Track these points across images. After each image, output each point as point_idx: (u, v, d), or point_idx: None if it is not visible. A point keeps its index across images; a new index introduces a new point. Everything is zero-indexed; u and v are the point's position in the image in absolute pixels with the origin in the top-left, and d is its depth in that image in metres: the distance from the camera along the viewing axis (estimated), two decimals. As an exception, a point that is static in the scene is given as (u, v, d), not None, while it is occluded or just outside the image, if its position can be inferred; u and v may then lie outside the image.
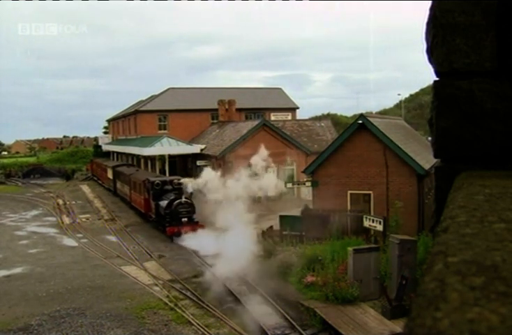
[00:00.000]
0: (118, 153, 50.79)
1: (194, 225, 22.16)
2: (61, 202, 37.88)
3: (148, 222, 26.37)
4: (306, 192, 24.34)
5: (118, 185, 36.36)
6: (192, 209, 22.72)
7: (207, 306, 14.20)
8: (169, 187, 24.37)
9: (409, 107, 61.51)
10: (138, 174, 30.68)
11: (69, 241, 23.88)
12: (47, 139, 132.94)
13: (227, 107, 40.96)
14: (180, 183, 24.03)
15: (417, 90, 66.52)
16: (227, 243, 17.28)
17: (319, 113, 64.58)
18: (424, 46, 1.59)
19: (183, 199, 22.56)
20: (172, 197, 22.93)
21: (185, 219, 22.18)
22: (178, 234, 21.36)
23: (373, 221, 16.67)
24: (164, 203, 23.07)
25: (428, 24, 1.54)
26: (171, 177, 26.91)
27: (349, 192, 19.42)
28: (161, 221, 23.53)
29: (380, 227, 16.25)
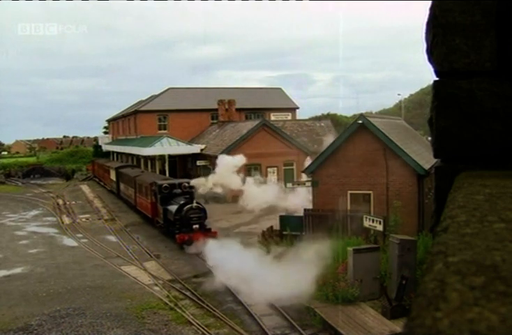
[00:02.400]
0: (118, 153, 50.81)
1: (207, 232, 20.70)
2: (60, 202, 37.89)
3: (149, 222, 26.30)
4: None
5: (122, 187, 34.78)
6: (204, 215, 21.19)
7: (207, 305, 14.20)
8: (178, 191, 22.79)
9: (409, 107, 61.51)
10: (144, 176, 29.07)
11: (69, 241, 23.89)
12: (47, 139, 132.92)
13: (226, 107, 41.00)
14: (191, 187, 22.26)
15: (417, 90, 66.53)
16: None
17: (320, 113, 64.57)
18: (424, 46, 1.59)
19: (194, 204, 20.98)
20: (182, 202, 21.34)
21: (197, 226, 20.55)
22: (190, 243, 19.76)
23: (373, 221, 16.67)
24: (173, 208, 21.52)
25: (428, 23, 1.54)
26: (180, 180, 25.24)
27: (349, 192, 19.43)
28: (170, 227, 22.00)
29: (380, 227, 16.25)
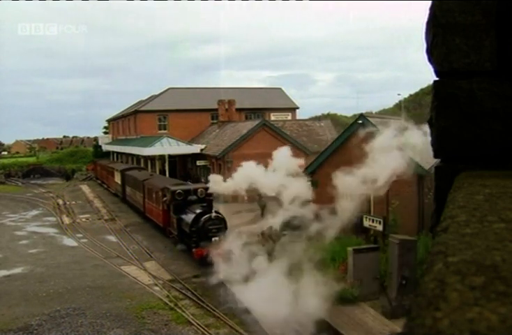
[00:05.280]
0: (118, 153, 50.83)
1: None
2: (60, 202, 37.89)
3: (149, 222, 26.23)
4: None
5: (128, 191, 32.16)
6: (225, 226, 18.66)
7: (207, 305, 14.21)
8: (194, 197, 20.32)
9: (409, 107, 61.43)
10: (153, 180, 26.44)
11: (69, 241, 23.89)
12: (47, 139, 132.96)
13: (226, 107, 41.01)
14: (209, 194, 19.25)
15: (417, 90, 66.43)
16: None
17: (320, 113, 64.49)
18: (424, 46, 1.59)
19: (214, 214, 18.43)
20: (199, 211, 18.84)
21: (216, 238, 17.87)
22: (208, 258, 16.93)
23: (373, 221, 16.68)
24: (189, 218, 19.08)
25: (428, 23, 1.54)
26: (196, 185, 22.75)
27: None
28: (185, 240, 19.58)
29: (380, 227, 16.25)
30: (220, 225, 18.44)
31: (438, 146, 1.56)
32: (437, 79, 1.55)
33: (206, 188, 19.84)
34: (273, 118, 43.27)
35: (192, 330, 12.80)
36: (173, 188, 21.08)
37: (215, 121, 43.09)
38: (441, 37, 1.49)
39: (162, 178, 28.89)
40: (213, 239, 17.89)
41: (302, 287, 12.77)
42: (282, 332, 12.19)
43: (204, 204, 19.25)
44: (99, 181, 48.70)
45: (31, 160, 74.07)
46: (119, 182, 35.45)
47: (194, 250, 17.90)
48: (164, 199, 21.41)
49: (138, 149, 38.49)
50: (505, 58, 1.45)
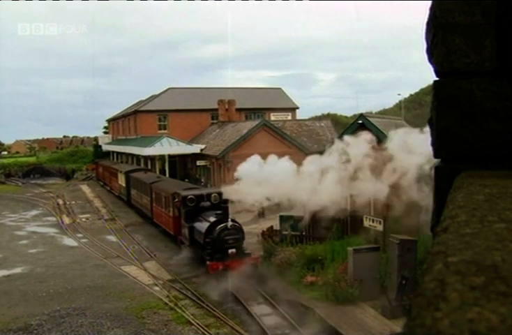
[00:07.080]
0: (118, 153, 50.83)
1: (246, 258, 16.38)
2: (60, 201, 37.89)
3: (148, 222, 26.21)
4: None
5: (134, 194, 30.57)
6: (242, 236, 16.94)
7: (207, 305, 14.21)
8: (207, 203, 18.60)
9: (409, 107, 61.40)
10: (161, 183, 24.88)
11: (69, 241, 23.90)
12: (47, 139, 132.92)
13: (226, 107, 41.02)
14: (225, 201, 17.36)
15: (417, 90, 66.39)
16: None
17: (320, 113, 64.45)
18: (424, 46, 1.59)
19: (230, 223, 16.60)
20: (213, 220, 17.00)
21: (233, 250, 16.30)
22: (225, 273, 15.73)
23: (373, 221, 16.67)
24: (202, 227, 17.29)
25: (428, 23, 1.54)
26: (209, 190, 21.13)
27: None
28: (198, 250, 17.77)
29: (380, 227, 16.24)
30: (237, 236, 16.68)
31: (438, 146, 1.56)
32: (437, 79, 1.55)
33: (220, 193, 18.10)
34: (273, 118, 43.26)
35: (192, 330, 12.80)
36: (184, 193, 19.37)
37: (215, 121, 43.09)
38: (441, 37, 1.49)
39: (170, 181, 27.04)
40: (230, 250, 16.29)
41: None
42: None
43: (219, 212, 17.28)
44: (101, 183, 47.99)
45: (31, 160, 74.01)
46: (123, 184, 33.96)
47: (208, 263, 16.11)
48: (175, 201, 19.91)
49: (138, 149, 38.48)
50: (505, 58, 1.45)
